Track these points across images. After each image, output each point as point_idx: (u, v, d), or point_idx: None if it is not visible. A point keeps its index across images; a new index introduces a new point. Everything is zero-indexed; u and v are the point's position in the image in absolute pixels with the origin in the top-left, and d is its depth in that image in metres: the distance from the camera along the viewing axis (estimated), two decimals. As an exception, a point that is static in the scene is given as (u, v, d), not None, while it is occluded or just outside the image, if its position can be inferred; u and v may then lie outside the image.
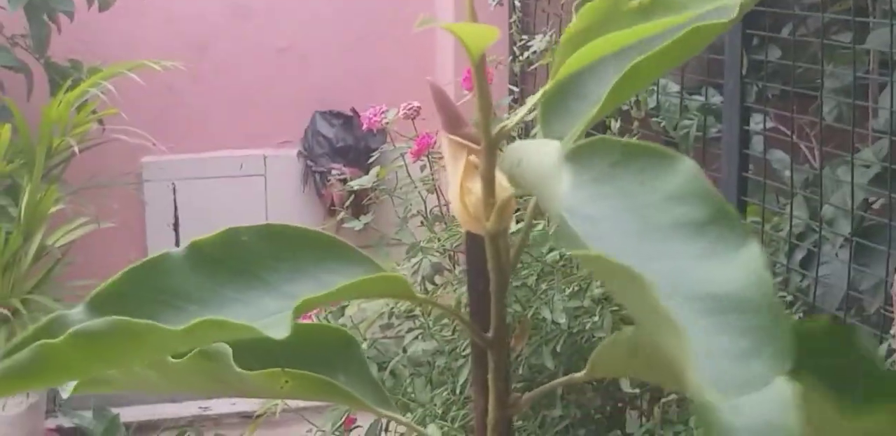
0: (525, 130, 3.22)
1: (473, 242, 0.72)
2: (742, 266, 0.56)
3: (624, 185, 0.61)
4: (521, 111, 0.75)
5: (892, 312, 1.86)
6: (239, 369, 0.66)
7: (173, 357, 0.67)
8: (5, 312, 3.43)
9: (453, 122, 0.66)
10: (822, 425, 0.55)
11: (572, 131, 0.75)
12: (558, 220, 0.57)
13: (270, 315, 0.63)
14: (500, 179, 0.69)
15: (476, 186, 0.67)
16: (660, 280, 0.51)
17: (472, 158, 0.66)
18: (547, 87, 0.72)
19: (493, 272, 0.69)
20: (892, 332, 1.78)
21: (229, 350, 0.66)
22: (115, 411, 3.79)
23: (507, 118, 2.95)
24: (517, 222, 1.98)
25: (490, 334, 0.74)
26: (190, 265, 0.67)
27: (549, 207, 0.60)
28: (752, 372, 0.50)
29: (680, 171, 0.60)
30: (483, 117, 0.67)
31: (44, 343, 0.58)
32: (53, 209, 3.59)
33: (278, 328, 0.59)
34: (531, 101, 0.77)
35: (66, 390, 0.74)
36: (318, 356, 0.76)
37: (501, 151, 0.71)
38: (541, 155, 0.62)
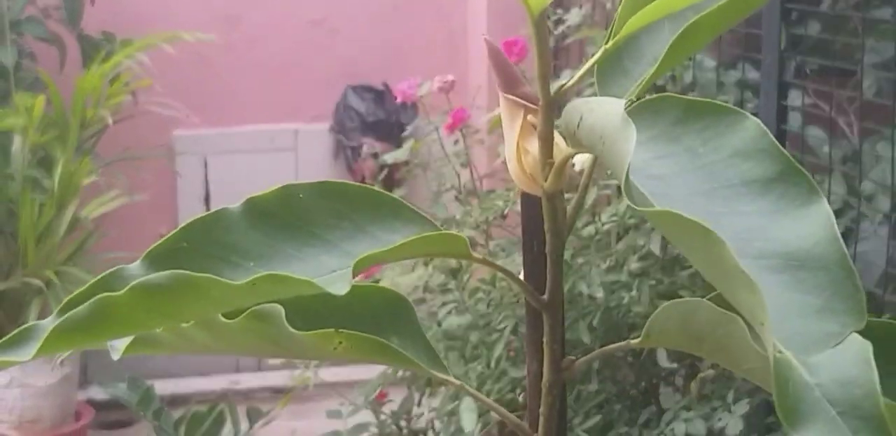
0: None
1: (529, 204, 0.71)
2: (811, 223, 0.55)
3: (689, 143, 0.61)
4: (580, 71, 0.74)
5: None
6: (292, 330, 0.65)
7: (225, 317, 0.66)
8: (39, 283, 3.45)
9: (510, 81, 0.65)
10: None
11: (630, 91, 0.74)
12: (624, 178, 0.56)
13: (329, 272, 0.63)
14: (558, 139, 0.69)
15: (533, 146, 0.66)
16: (730, 237, 0.51)
17: (530, 117, 0.65)
18: (604, 47, 0.71)
19: (549, 234, 0.68)
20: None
21: (282, 310, 0.65)
22: (149, 383, 3.80)
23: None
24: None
25: (545, 297, 0.73)
26: (247, 222, 0.66)
27: (614, 165, 0.60)
28: (826, 329, 0.49)
29: (745, 128, 0.59)
30: (542, 76, 0.66)
31: (105, 296, 0.57)
32: (86, 181, 3.61)
33: (338, 285, 0.58)
34: (589, 62, 0.76)
35: (117, 351, 0.73)
36: (371, 318, 0.75)
37: (559, 110, 0.70)
38: (603, 114, 0.62)
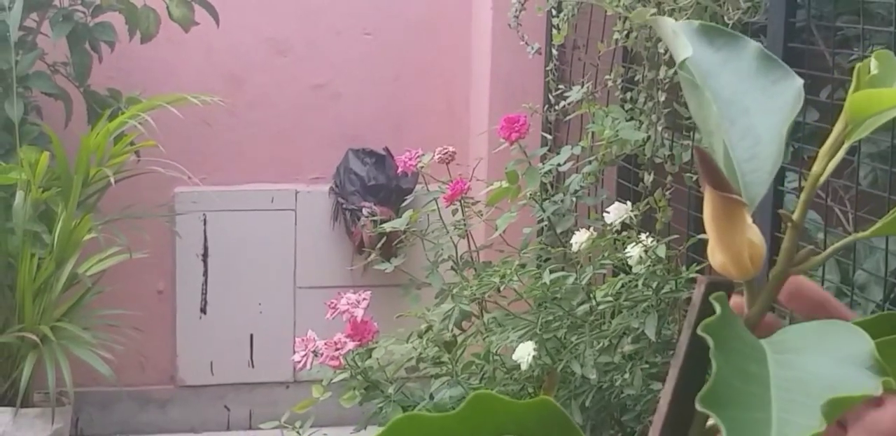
0: (558, 180, 3.24)
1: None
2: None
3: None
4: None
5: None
6: None
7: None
8: (34, 338, 3.46)
9: (721, 181, 0.69)
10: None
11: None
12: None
13: None
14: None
15: (756, 239, 0.70)
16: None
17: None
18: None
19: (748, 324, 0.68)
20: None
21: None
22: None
23: (542, 166, 2.97)
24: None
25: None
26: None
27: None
28: None
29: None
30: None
31: None
32: (87, 238, 3.62)
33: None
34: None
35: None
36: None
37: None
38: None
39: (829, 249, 0.69)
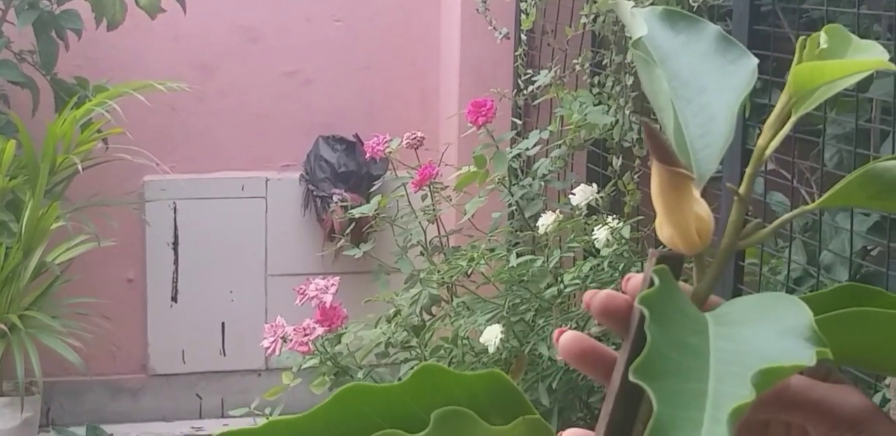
0: (528, 164, 3.24)
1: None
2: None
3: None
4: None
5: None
6: (489, 426, 0.64)
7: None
8: (2, 327, 3.44)
9: (669, 155, 0.69)
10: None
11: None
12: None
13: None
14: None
15: (704, 213, 0.69)
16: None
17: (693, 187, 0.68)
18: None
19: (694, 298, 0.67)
20: (886, 381, 1.79)
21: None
22: (106, 428, 3.80)
23: (510, 151, 2.97)
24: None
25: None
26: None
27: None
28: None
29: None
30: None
31: None
32: (54, 226, 3.61)
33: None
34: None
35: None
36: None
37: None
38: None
39: (776, 222, 0.69)
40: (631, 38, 0.73)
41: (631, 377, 0.53)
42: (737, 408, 0.50)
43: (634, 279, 0.64)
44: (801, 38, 0.68)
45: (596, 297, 0.61)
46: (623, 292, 0.63)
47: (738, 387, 0.52)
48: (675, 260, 0.66)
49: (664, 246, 0.67)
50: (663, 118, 0.73)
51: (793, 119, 0.70)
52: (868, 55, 0.69)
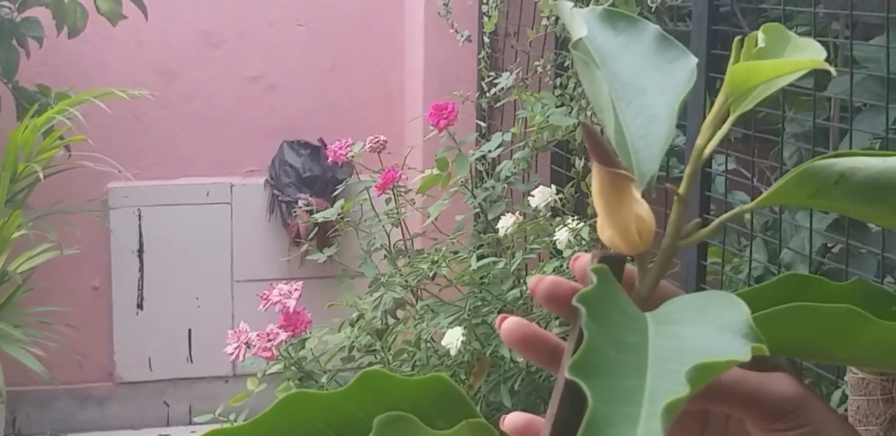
0: (492, 167, 3.24)
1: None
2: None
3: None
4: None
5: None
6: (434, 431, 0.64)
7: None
8: (-36, 337, 3.41)
9: (609, 156, 0.69)
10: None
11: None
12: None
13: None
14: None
15: (645, 214, 0.69)
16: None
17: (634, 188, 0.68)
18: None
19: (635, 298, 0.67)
20: (846, 379, 1.80)
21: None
22: (71, 437, 3.78)
23: (473, 153, 2.97)
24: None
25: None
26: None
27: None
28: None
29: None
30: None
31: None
32: (16, 235, 3.58)
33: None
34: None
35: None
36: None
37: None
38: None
39: (716, 222, 0.69)
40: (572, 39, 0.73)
41: (567, 375, 0.53)
42: (671, 403, 0.50)
43: (582, 258, 0.65)
44: (737, 37, 0.68)
45: (541, 283, 0.62)
46: (571, 272, 0.64)
47: (675, 383, 0.52)
48: (616, 260, 0.66)
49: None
50: (604, 119, 0.73)
51: (731, 118, 0.70)
52: (805, 54, 0.69)
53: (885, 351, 0.60)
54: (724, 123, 0.71)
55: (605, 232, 0.67)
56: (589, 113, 2.90)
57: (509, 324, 0.63)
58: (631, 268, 0.68)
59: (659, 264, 0.67)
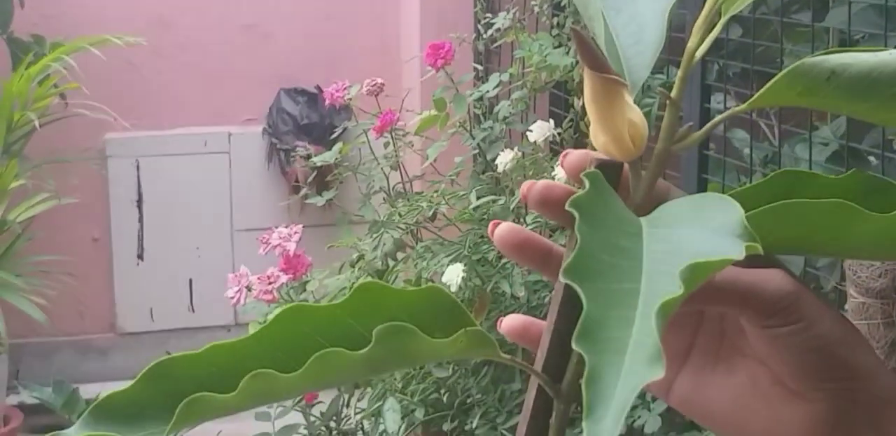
0: (490, 108, 3.23)
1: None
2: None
3: None
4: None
5: (846, 287, 1.88)
6: (431, 339, 0.63)
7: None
8: (-35, 287, 3.42)
9: (601, 63, 0.68)
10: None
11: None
12: None
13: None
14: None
15: (637, 119, 0.68)
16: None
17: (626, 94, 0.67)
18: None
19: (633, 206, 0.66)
20: (846, 306, 1.80)
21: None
22: (74, 386, 3.79)
23: (471, 94, 2.95)
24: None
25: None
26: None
27: None
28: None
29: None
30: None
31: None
32: (14, 184, 3.58)
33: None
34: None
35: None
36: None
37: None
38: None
39: (710, 124, 0.69)
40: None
41: (561, 278, 0.52)
42: (665, 303, 0.50)
43: (571, 155, 0.64)
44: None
45: (533, 188, 0.61)
46: (562, 168, 0.64)
47: (669, 284, 0.52)
48: (611, 167, 0.66)
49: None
50: (594, 28, 0.72)
51: (722, 20, 0.69)
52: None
53: (879, 243, 0.60)
54: (715, 25, 0.70)
55: (599, 139, 0.66)
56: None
57: (502, 229, 0.62)
58: (627, 173, 0.67)
59: (652, 169, 0.67)
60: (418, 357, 0.64)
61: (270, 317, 0.66)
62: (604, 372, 0.48)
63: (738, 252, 0.53)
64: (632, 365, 0.48)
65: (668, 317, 0.50)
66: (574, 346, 0.49)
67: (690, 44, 0.70)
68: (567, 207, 0.55)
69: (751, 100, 0.66)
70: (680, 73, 0.69)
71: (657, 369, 0.47)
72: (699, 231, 0.57)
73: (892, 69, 0.61)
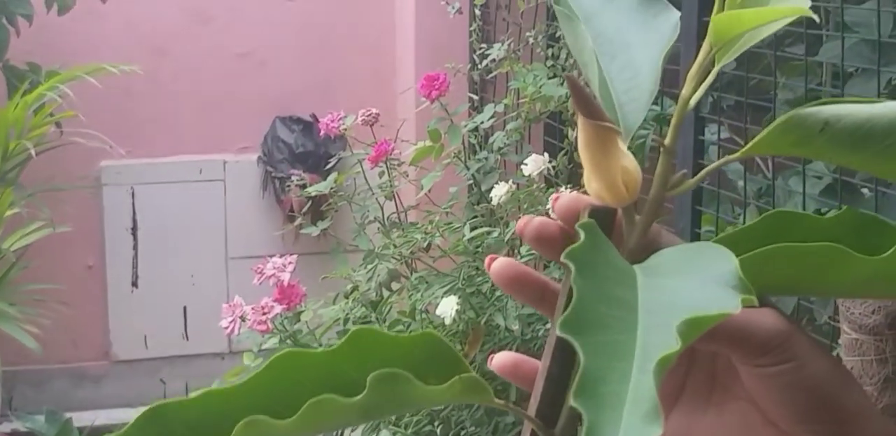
0: (485, 139, 3.23)
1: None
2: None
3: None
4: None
5: (839, 322, 1.88)
6: (426, 386, 0.63)
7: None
8: (-41, 315, 3.41)
9: (596, 110, 0.68)
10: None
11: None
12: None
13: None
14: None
15: (631, 166, 0.69)
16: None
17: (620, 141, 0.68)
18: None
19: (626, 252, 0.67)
20: (839, 342, 1.80)
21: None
22: (68, 414, 3.78)
23: (466, 124, 2.97)
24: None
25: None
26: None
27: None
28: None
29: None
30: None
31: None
32: (9, 213, 3.58)
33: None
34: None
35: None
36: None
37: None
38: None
39: (703, 172, 0.69)
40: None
41: (558, 332, 0.53)
42: (663, 359, 0.50)
43: (563, 198, 0.64)
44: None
45: (529, 224, 0.61)
46: (553, 212, 0.64)
47: (666, 337, 0.52)
48: (605, 213, 0.66)
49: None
50: (588, 74, 0.73)
51: (716, 68, 0.70)
52: (789, 2, 0.68)
53: (871, 284, 0.60)
54: (709, 73, 0.71)
55: (593, 185, 0.67)
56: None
57: (499, 264, 0.63)
58: (621, 220, 0.67)
59: (646, 215, 0.67)
60: (413, 403, 0.65)
61: (264, 363, 0.66)
62: (603, 430, 0.48)
63: (734, 305, 0.53)
64: (630, 422, 0.48)
65: (665, 371, 0.50)
66: (573, 402, 0.49)
67: (684, 92, 0.70)
68: (563, 259, 0.55)
69: (744, 149, 0.67)
70: (674, 121, 0.70)
71: (655, 426, 0.47)
72: (694, 282, 0.58)
73: (886, 121, 0.61)
